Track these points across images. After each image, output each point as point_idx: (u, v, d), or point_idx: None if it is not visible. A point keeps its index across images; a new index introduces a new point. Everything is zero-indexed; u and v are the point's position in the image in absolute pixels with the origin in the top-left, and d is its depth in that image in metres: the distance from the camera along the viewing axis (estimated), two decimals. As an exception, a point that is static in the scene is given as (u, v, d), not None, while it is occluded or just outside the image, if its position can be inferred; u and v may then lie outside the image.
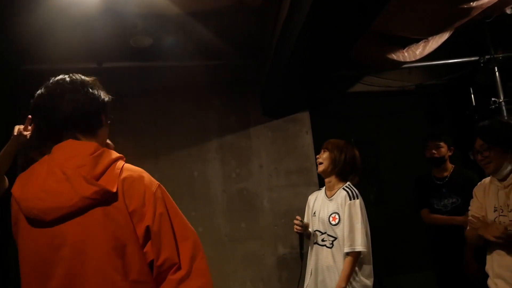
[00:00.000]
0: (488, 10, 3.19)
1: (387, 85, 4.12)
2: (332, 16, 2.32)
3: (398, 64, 3.63)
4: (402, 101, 4.27)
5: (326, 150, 2.45)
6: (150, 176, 1.25)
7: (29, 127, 2.21)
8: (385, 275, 3.96)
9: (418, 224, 3.30)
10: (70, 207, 1.11)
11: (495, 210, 2.10)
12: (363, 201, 2.37)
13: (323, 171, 2.46)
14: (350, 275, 2.22)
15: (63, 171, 1.15)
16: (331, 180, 2.46)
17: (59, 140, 1.25)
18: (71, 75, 1.32)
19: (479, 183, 2.28)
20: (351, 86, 4.16)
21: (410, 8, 3.00)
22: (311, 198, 2.63)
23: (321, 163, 2.45)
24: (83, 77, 1.33)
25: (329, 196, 2.45)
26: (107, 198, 1.13)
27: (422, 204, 3.18)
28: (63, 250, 1.12)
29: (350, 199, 2.31)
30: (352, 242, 2.23)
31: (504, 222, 2.03)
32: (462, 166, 3.31)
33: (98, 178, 1.14)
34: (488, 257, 2.13)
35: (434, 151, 3.13)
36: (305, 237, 2.53)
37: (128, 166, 1.24)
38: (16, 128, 2.18)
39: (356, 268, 2.27)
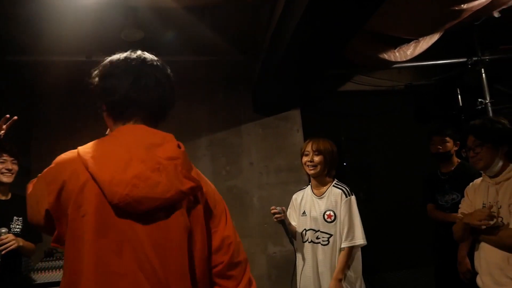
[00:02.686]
0: (477, 13, 3.24)
1: (377, 84, 4.15)
2: (327, 14, 2.32)
3: (389, 63, 3.66)
4: (392, 100, 4.31)
5: (318, 153, 2.46)
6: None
7: (4, 126, 2.12)
8: (376, 272, 3.99)
9: (410, 221, 3.34)
10: (166, 200, 1.04)
11: (483, 206, 2.13)
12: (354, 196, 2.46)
13: (317, 173, 2.47)
14: (346, 267, 2.32)
15: (156, 160, 1.07)
16: (320, 179, 2.50)
17: (117, 119, 1.18)
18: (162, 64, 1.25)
19: (471, 183, 2.31)
20: (342, 85, 4.17)
21: (402, 8, 3.02)
22: (297, 197, 2.64)
23: (314, 166, 2.46)
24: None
25: (319, 195, 2.49)
26: (195, 194, 1.15)
27: (427, 199, 3.19)
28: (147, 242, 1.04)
29: (347, 196, 2.39)
30: (352, 237, 2.32)
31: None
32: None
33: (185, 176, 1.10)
34: (476, 254, 2.16)
35: (439, 146, 3.09)
36: (286, 224, 2.48)
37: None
38: None
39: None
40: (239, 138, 3.82)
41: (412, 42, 3.53)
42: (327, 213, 2.41)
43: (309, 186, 2.59)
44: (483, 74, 3.97)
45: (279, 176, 3.79)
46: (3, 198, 2.43)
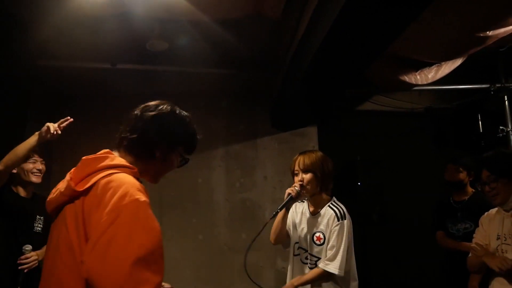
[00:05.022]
0: (503, 40, 3.21)
1: (396, 105, 4.13)
2: (351, 37, 2.34)
3: (410, 86, 3.64)
4: (410, 123, 4.28)
5: (307, 171, 2.21)
6: (132, 191, 1.11)
7: (61, 126, 2.20)
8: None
9: (421, 246, 3.29)
10: (55, 202, 1.23)
11: (498, 238, 2.11)
12: (350, 219, 2.23)
13: (311, 192, 2.24)
14: (308, 283, 2.16)
15: None
16: (315, 197, 2.27)
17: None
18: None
19: (485, 213, 2.29)
20: (360, 104, 4.16)
21: (426, 34, 3.01)
22: (296, 208, 2.38)
23: (305, 186, 2.20)
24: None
25: (314, 213, 2.28)
26: (74, 197, 1.17)
27: (438, 226, 3.17)
28: (51, 244, 1.21)
29: (339, 220, 2.17)
30: (331, 263, 2.12)
31: (506, 251, 2.04)
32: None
33: (81, 179, 1.19)
34: (490, 287, 2.13)
35: (453, 174, 3.09)
36: (289, 203, 2.21)
37: (117, 176, 1.16)
38: (52, 127, 2.15)
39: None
40: (255, 151, 3.85)
41: (434, 65, 3.51)
42: (317, 234, 2.23)
43: (306, 202, 2.37)
44: (506, 101, 3.92)
45: (293, 192, 3.80)
46: (27, 197, 2.47)
